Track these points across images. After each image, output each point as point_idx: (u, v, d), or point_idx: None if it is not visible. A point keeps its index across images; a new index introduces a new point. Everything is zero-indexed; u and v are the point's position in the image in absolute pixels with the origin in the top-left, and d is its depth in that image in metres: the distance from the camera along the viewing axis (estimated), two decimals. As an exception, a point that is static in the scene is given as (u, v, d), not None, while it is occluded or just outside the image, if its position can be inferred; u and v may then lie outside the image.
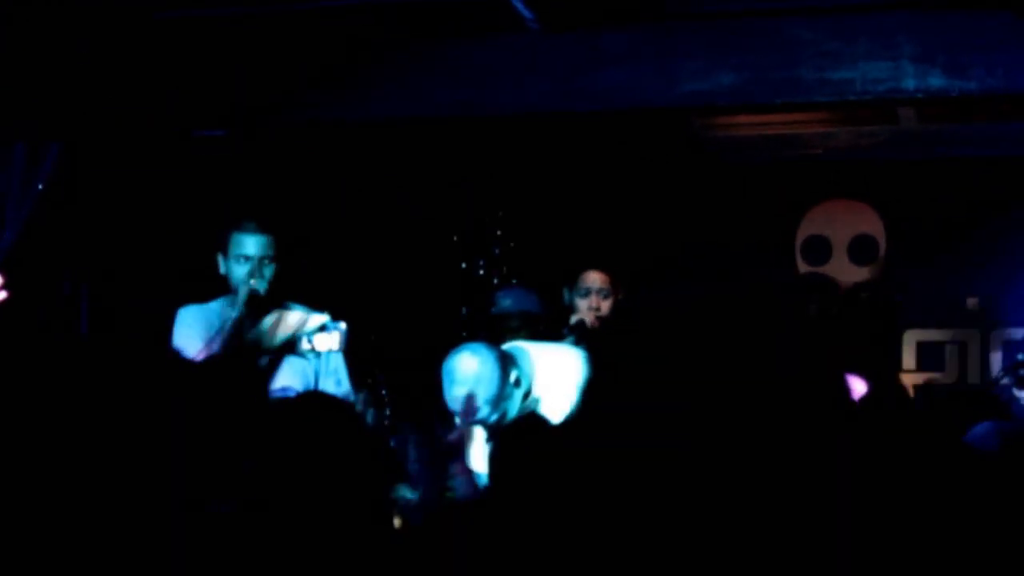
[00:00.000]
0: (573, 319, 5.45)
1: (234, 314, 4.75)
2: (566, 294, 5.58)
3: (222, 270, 4.92)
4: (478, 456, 4.61)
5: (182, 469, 2.29)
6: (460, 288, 6.97)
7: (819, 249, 7.89)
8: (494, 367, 4.32)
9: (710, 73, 5.48)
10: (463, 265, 7.06)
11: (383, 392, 5.18)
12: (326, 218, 6.49)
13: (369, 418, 4.78)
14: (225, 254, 4.90)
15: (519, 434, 3.26)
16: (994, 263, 7.51)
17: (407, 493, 4.50)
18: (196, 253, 5.09)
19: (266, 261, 4.85)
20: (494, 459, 3.15)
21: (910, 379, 7.36)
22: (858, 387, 4.21)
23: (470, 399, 4.30)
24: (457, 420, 4.68)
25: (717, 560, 1.56)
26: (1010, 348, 7.40)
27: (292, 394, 4.49)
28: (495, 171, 7.05)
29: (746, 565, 1.56)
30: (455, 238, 7.06)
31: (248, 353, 4.53)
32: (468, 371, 4.32)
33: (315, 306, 4.91)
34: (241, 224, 4.88)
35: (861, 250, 7.83)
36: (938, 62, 5.33)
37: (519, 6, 5.29)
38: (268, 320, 4.74)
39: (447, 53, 5.72)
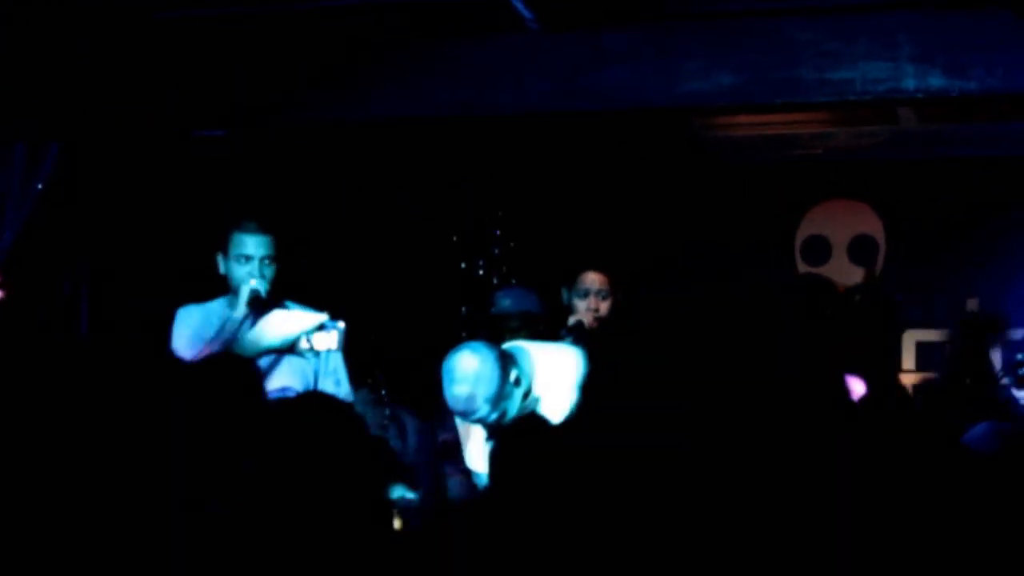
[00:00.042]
0: (571, 320, 5.45)
1: (235, 315, 4.75)
2: (564, 294, 5.58)
3: (222, 270, 4.92)
4: (478, 456, 4.61)
5: (182, 469, 2.29)
6: (460, 288, 6.98)
7: (819, 249, 7.90)
8: (494, 366, 4.32)
9: (710, 73, 5.48)
10: (463, 265, 7.06)
11: (383, 392, 5.18)
12: (326, 218, 6.49)
13: (370, 417, 4.78)
14: (225, 254, 4.89)
15: (519, 434, 3.26)
16: (994, 264, 7.51)
17: (407, 494, 4.50)
18: (196, 253, 5.08)
19: (267, 261, 4.85)
20: (494, 459, 3.15)
21: (909, 379, 7.36)
22: (857, 387, 4.22)
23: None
24: (456, 419, 4.69)
25: (717, 559, 1.56)
26: (1009, 348, 7.40)
27: (291, 394, 4.49)
28: (495, 171, 7.05)
29: (746, 564, 1.56)
30: (455, 238, 7.07)
31: (247, 353, 4.53)
32: (468, 370, 4.32)
33: (314, 306, 4.90)
34: (241, 224, 4.88)
35: (861, 250, 7.83)
36: (938, 62, 5.33)
37: (519, 6, 5.29)
38: (268, 320, 4.74)
39: (447, 53, 5.72)
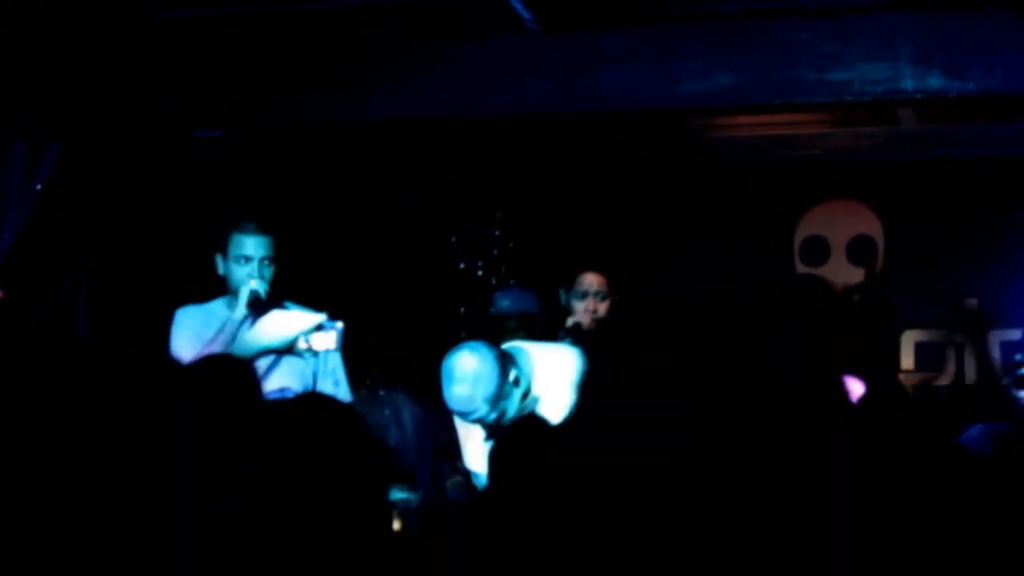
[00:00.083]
0: (569, 321, 5.45)
1: (235, 316, 4.75)
2: (562, 295, 5.58)
3: (221, 271, 4.91)
4: (477, 456, 4.62)
5: (181, 470, 2.30)
6: (459, 288, 6.98)
7: (817, 250, 7.90)
8: (493, 366, 4.33)
9: (709, 74, 5.49)
10: (462, 265, 7.06)
11: (381, 393, 5.18)
12: (325, 218, 6.49)
13: (369, 417, 4.77)
14: (224, 255, 4.89)
15: (518, 434, 3.27)
16: (992, 264, 7.52)
17: (406, 495, 4.51)
18: (195, 253, 5.08)
19: (266, 262, 4.85)
20: (493, 459, 3.16)
21: (908, 379, 7.37)
22: (856, 388, 4.22)
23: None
24: (456, 419, 4.69)
25: (717, 559, 1.57)
26: (1008, 349, 7.41)
27: (291, 394, 4.50)
28: (494, 172, 7.05)
29: (745, 563, 1.57)
30: (453, 239, 7.07)
31: (246, 354, 4.53)
32: (467, 369, 4.32)
33: (314, 306, 4.91)
34: (241, 225, 4.87)
35: (859, 251, 7.84)
36: (937, 63, 5.34)
37: (518, 7, 5.29)
38: (266, 321, 4.74)
39: (447, 53, 5.72)
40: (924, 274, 7.59)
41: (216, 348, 4.60)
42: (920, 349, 7.69)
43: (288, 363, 4.82)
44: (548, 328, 5.54)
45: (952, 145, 7.50)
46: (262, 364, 4.72)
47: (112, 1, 5.29)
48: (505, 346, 4.58)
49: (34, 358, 2.28)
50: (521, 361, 4.47)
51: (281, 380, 4.79)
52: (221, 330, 4.74)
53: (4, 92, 5.38)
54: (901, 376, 7.38)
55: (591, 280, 5.50)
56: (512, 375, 4.38)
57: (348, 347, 4.80)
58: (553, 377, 4.48)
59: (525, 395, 4.43)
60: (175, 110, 5.77)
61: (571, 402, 4.33)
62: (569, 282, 5.53)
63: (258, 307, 4.76)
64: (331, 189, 6.56)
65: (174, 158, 5.84)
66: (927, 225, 7.60)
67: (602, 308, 5.45)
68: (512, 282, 6.68)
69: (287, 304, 4.91)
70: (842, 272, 7.68)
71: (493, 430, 4.39)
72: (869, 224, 7.84)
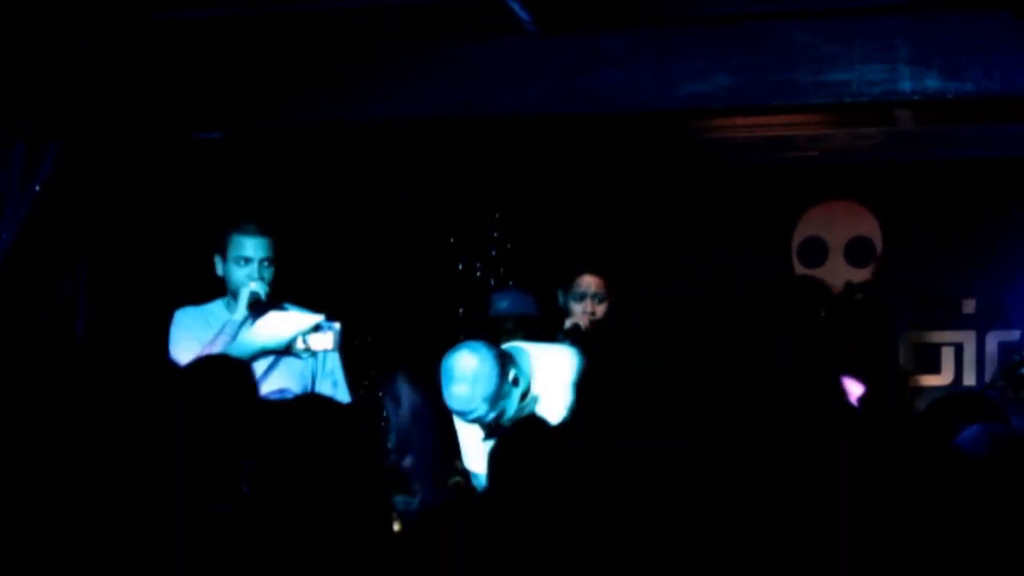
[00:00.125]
0: (568, 323, 5.45)
1: (236, 318, 4.75)
2: (560, 297, 5.58)
3: (220, 272, 4.91)
4: (476, 457, 4.62)
5: (181, 470, 2.30)
6: (457, 289, 6.98)
7: (815, 251, 7.90)
8: (492, 365, 4.33)
9: (708, 75, 5.50)
10: (460, 266, 7.07)
11: (380, 393, 5.19)
12: (325, 218, 6.49)
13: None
14: (223, 256, 4.88)
15: (518, 435, 3.28)
16: (990, 265, 7.53)
17: (406, 499, 4.52)
18: (195, 254, 5.08)
19: (266, 263, 4.84)
20: (493, 460, 3.16)
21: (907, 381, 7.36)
22: (855, 389, 4.22)
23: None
24: (455, 419, 4.70)
25: (716, 560, 1.57)
26: (1006, 350, 7.42)
27: (290, 396, 4.50)
28: (494, 172, 7.05)
29: (745, 565, 1.57)
30: (452, 239, 7.07)
31: (244, 355, 4.53)
32: (466, 369, 4.33)
33: (312, 306, 4.91)
34: (240, 226, 4.86)
35: (858, 252, 7.84)
36: (934, 64, 5.34)
37: (516, 8, 5.29)
38: (264, 322, 4.74)
39: (447, 53, 5.73)
40: (922, 275, 7.59)
41: (216, 350, 4.59)
42: (919, 350, 7.69)
43: (287, 364, 4.82)
44: (546, 330, 5.54)
45: (950, 146, 7.50)
46: (261, 365, 4.72)
47: (112, 1, 5.29)
48: (505, 346, 4.58)
49: (33, 358, 2.29)
50: (520, 361, 4.47)
51: (280, 381, 4.79)
52: (221, 331, 4.73)
53: (4, 92, 5.38)
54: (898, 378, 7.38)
55: (589, 282, 5.50)
56: (511, 375, 4.39)
57: (346, 348, 4.80)
58: (552, 377, 4.49)
59: (524, 395, 4.44)
60: (175, 110, 5.77)
61: (570, 402, 4.34)
62: (567, 284, 5.53)
63: (258, 309, 4.76)
64: (331, 189, 6.56)
65: (174, 159, 5.84)
66: (926, 226, 7.60)
67: (600, 310, 5.45)
68: (510, 283, 6.68)
69: (286, 305, 4.91)
70: (840, 273, 7.67)
71: (492, 430, 4.39)
72: (867, 225, 7.84)
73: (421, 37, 5.71)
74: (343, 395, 4.87)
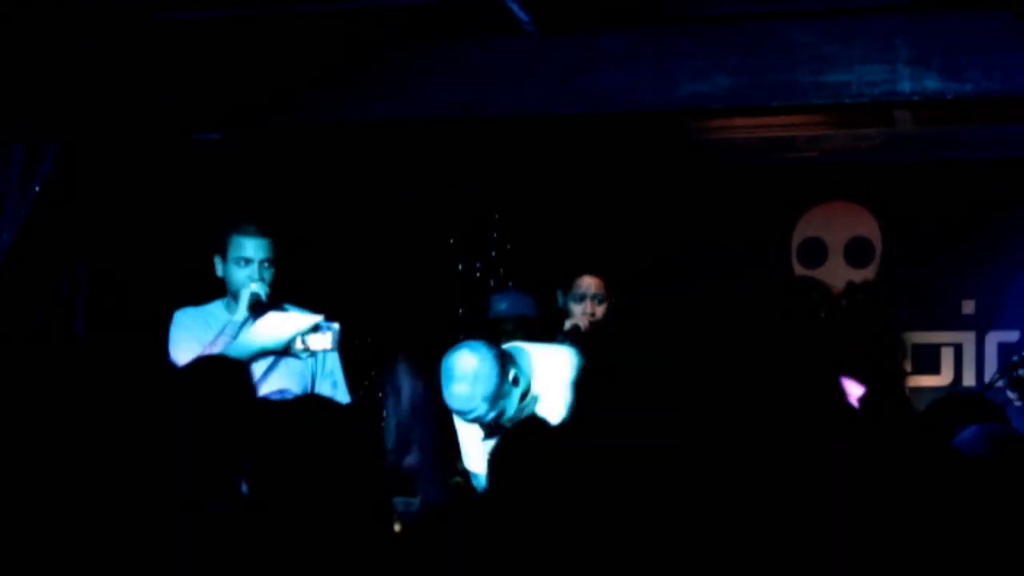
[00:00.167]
0: (567, 324, 5.45)
1: (236, 318, 4.75)
2: (560, 298, 5.58)
3: (220, 272, 4.91)
4: (476, 457, 4.63)
5: (181, 470, 2.30)
6: (457, 290, 6.98)
7: (815, 251, 7.91)
8: (492, 365, 4.34)
9: (707, 75, 5.50)
10: (460, 267, 7.07)
11: (379, 393, 5.19)
12: (325, 219, 6.50)
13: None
14: (223, 256, 4.88)
15: (518, 435, 3.28)
16: (990, 265, 7.53)
17: (406, 500, 4.52)
18: (195, 254, 5.09)
19: (266, 264, 4.85)
20: (493, 460, 3.17)
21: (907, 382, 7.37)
22: (854, 389, 4.22)
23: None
24: (455, 419, 4.70)
25: (717, 561, 1.57)
26: (1005, 351, 7.42)
27: (290, 396, 4.51)
28: (493, 173, 7.05)
29: (745, 565, 1.57)
30: (452, 240, 7.07)
31: (243, 356, 4.53)
32: (467, 368, 4.33)
33: (312, 307, 4.91)
34: (241, 226, 4.87)
35: (857, 252, 7.84)
36: (934, 65, 5.34)
37: (515, 9, 5.30)
38: (263, 322, 4.74)
39: (447, 53, 5.73)
40: (921, 276, 7.59)
41: (216, 350, 4.60)
42: (917, 351, 7.69)
43: (287, 365, 4.82)
44: (545, 331, 5.54)
45: (949, 147, 7.51)
46: (261, 366, 4.72)
47: (112, 1, 5.29)
48: (505, 346, 4.59)
49: (33, 358, 2.29)
50: (520, 360, 4.48)
51: (280, 382, 4.80)
52: (221, 332, 4.74)
53: (4, 92, 5.38)
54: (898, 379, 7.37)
55: (589, 283, 5.50)
56: (511, 374, 4.39)
57: (344, 347, 4.81)
58: (552, 377, 4.49)
59: (524, 394, 4.44)
60: (175, 110, 5.77)
61: (570, 402, 4.33)
62: (567, 284, 5.53)
63: (259, 310, 4.76)
64: (331, 189, 6.56)
65: (174, 159, 5.84)
66: (925, 227, 7.60)
67: (600, 311, 5.45)
68: (510, 284, 6.69)
69: (286, 306, 4.92)
70: (840, 274, 7.67)
71: (492, 430, 4.40)
72: (867, 226, 7.84)
73: (421, 37, 5.71)
74: (343, 395, 4.88)
